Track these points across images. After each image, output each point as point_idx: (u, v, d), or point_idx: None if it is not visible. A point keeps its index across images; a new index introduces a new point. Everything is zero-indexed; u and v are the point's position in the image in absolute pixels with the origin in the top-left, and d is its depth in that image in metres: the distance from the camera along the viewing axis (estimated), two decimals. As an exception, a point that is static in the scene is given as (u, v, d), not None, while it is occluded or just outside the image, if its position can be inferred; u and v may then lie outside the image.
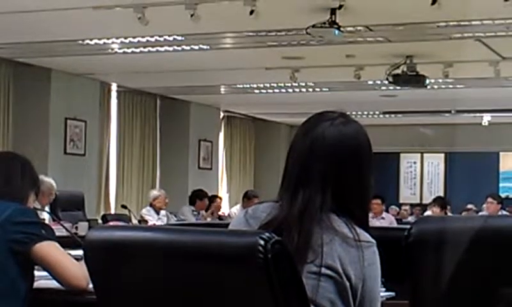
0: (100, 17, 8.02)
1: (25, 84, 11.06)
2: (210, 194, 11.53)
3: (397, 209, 15.49)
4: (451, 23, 7.96)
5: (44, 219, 4.45)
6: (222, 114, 15.93)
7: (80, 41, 9.30)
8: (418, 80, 9.84)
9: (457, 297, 1.77)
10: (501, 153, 17.01)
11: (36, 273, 2.95)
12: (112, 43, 9.39)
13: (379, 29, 8.32)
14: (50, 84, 11.23)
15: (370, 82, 11.52)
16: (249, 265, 1.65)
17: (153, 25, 7.78)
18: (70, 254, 2.93)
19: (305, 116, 2.17)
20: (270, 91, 12.68)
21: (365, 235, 1.98)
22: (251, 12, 7.27)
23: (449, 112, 14.67)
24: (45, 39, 9.27)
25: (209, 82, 12.21)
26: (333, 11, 7.43)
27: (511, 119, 15.28)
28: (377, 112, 15.33)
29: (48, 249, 2.84)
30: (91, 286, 2.04)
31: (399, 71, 9.72)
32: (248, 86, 12.47)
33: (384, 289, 2.54)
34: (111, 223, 7.45)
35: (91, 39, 9.24)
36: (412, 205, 16.27)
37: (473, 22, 7.95)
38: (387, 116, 15.56)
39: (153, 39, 9.02)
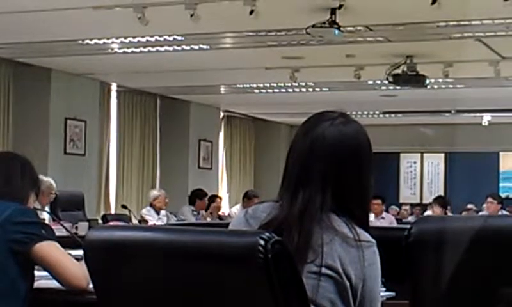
0: (100, 17, 8.02)
1: (25, 84, 11.06)
2: (210, 194, 11.53)
3: (397, 209, 15.49)
4: (451, 23, 7.96)
5: (44, 219, 4.45)
6: (222, 114, 15.93)
7: (80, 41, 9.30)
8: (418, 80, 9.84)
9: (457, 297, 1.77)
10: (501, 153, 17.01)
11: (36, 273, 2.95)
12: (112, 43, 9.39)
13: (379, 28, 8.32)
14: (50, 84, 11.23)
15: (370, 82, 11.52)
16: (249, 265, 1.65)
17: (153, 25, 7.78)
18: (70, 254, 2.93)
19: (305, 116, 2.17)
20: (270, 91, 12.68)
21: (365, 235, 1.98)
22: (251, 12, 7.27)
23: (449, 112, 14.67)
24: (44, 39, 9.27)
25: (209, 82, 12.21)
26: (333, 11, 7.43)
27: (511, 119, 15.28)
28: (377, 112, 15.32)
29: (48, 249, 2.84)
30: (91, 286, 2.04)
31: (399, 71, 9.72)
32: (248, 85, 12.47)
33: (384, 289, 2.54)
34: (111, 223, 7.45)
35: (91, 39, 9.24)
36: (412, 205, 16.28)
37: (473, 22, 7.95)
38: (387, 115, 15.56)
39: (153, 39, 9.02)
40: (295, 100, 13.28)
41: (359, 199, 2.07)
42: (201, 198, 11.10)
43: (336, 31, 7.49)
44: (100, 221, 9.35)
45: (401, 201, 17.13)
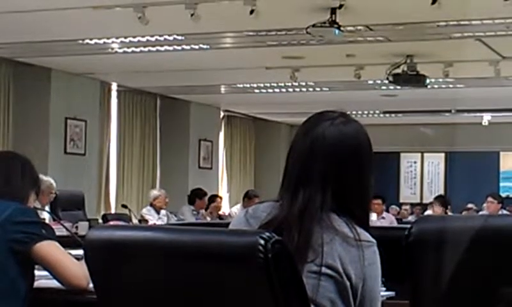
0: (99, 17, 8.02)
1: (25, 84, 11.06)
2: (210, 194, 11.53)
3: (398, 209, 15.48)
4: (451, 22, 7.96)
5: (44, 219, 4.44)
6: (222, 114, 15.92)
7: (80, 41, 9.30)
8: (418, 79, 9.83)
9: (457, 297, 1.77)
10: (501, 153, 17.00)
11: (37, 272, 2.95)
12: (112, 42, 9.39)
13: (380, 28, 8.32)
14: (50, 84, 11.23)
15: (371, 82, 11.51)
16: (249, 265, 1.65)
17: (153, 25, 7.78)
18: (70, 253, 2.93)
19: (305, 116, 2.17)
20: (270, 90, 12.68)
21: (365, 235, 1.99)
22: (251, 12, 7.27)
23: (449, 111, 14.67)
24: (44, 39, 9.27)
25: (209, 81, 12.21)
26: (333, 11, 7.42)
27: (511, 118, 15.27)
28: (377, 112, 15.32)
29: (48, 248, 2.84)
30: (91, 285, 2.04)
31: (399, 70, 9.71)
32: (248, 85, 12.46)
33: (384, 289, 2.54)
34: (111, 223, 7.45)
35: (91, 39, 9.24)
36: (412, 205, 16.27)
37: (473, 22, 7.95)
38: (387, 115, 15.56)
39: (153, 39, 9.02)
40: (295, 99, 13.28)
41: (359, 198, 2.07)
42: (200, 198, 11.10)
43: (337, 31, 7.48)
44: (100, 221, 9.35)
45: (401, 200, 17.12)
